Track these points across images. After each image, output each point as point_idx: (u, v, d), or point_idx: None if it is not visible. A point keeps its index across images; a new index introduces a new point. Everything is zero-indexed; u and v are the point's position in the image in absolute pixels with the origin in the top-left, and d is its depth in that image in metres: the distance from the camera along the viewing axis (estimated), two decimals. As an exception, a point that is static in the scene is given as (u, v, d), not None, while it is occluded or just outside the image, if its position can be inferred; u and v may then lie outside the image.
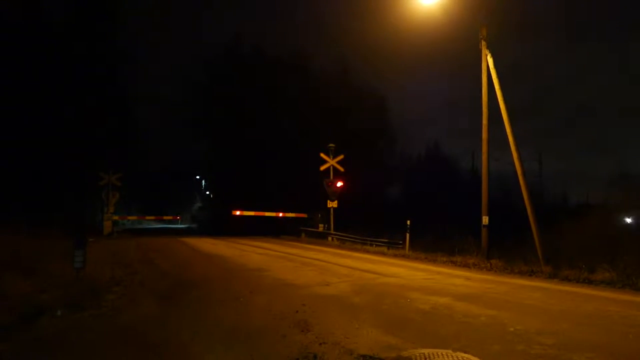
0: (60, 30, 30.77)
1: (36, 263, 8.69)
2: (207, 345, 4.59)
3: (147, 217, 44.31)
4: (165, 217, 44.98)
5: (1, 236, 11.05)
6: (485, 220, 13.06)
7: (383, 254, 16.12)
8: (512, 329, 5.14)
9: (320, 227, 24.67)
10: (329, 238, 22.75)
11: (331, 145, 24.87)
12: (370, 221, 24.27)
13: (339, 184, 24.08)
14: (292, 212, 28.32)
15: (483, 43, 13.16)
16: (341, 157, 24.92)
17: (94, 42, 30.34)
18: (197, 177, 64.19)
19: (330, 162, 24.68)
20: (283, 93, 35.40)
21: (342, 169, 24.76)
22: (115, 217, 28.06)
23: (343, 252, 16.74)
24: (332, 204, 23.83)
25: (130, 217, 40.05)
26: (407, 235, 16.30)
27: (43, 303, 6.12)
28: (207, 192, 58.18)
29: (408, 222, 16.16)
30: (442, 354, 4.21)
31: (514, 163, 12.40)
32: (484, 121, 13.36)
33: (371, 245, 18.41)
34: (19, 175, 24.52)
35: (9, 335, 4.83)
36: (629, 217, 16.94)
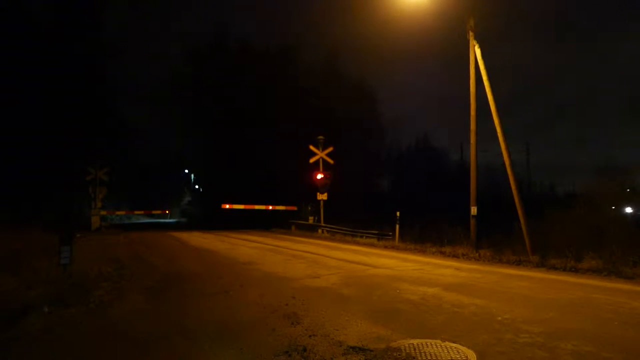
0: (44, 25, 30.18)
1: (22, 259, 8.57)
2: (195, 339, 4.56)
3: (136, 212, 43.87)
4: (154, 212, 44.54)
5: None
6: (473, 210, 13.15)
7: (373, 245, 16.18)
8: (500, 318, 5.20)
9: (311, 220, 24.65)
10: (319, 230, 22.77)
11: (320, 137, 24.77)
12: (360, 213, 24.35)
13: (329, 176, 24.06)
14: (282, 204, 28.26)
15: (470, 34, 13.15)
16: (330, 149, 24.86)
17: (79, 36, 29.83)
18: (186, 171, 63.69)
19: (320, 154, 24.62)
20: (271, 85, 35.16)
21: (331, 161, 24.71)
22: (103, 212, 27.75)
23: (333, 244, 16.76)
24: (322, 197, 23.82)
25: (118, 212, 39.60)
26: (397, 226, 16.37)
27: (30, 300, 6.03)
28: (197, 186, 57.80)
29: (397, 213, 16.23)
30: (431, 344, 4.24)
31: (502, 154, 12.48)
32: (472, 112, 13.40)
33: (361, 237, 18.47)
34: (3, 171, 24.11)
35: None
36: (628, 207, 16.74)
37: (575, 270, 9.38)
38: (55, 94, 27.20)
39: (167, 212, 47.28)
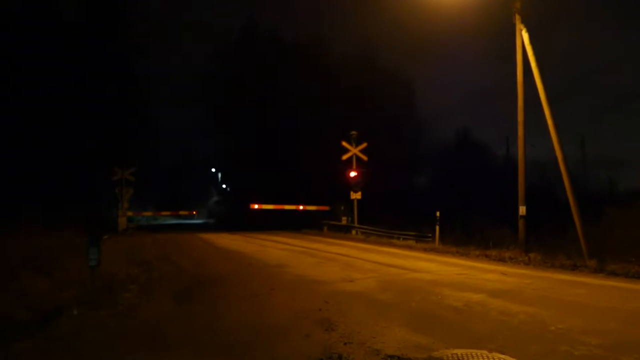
0: (74, 25, 31.44)
1: (52, 261, 8.98)
2: (226, 344, 4.65)
3: (163, 213, 45.02)
4: (181, 213, 45.59)
5: (18, 234, 11.44)
6: (522, 210, 12.80)
7: (410, 247, 16.03)
8: (553, 328, 5.04)
9: (344, 220, 24.65)
10: (353, 232, 22.75)
11: (353, 132, 24.64)
12: (396, 213, 24.13)
13: (363, 174, 23.97)
14: (313, 204, 28.36)
15: (517, 17, 12.78)
16: (364, 145, 24.71)
17: (107, 37, 30.97)
18: (213, 170, 64.95)
19: (353, 150, 24.52)
20: (302, 80, 35.33)
21: (365, 158, 24.56)
22: (130, 213, 28.65)
23: (368, 246, 16.72)
24: (356, 196, 23.74)
25: (145, 213, 40.82)
26: (437, 227, 16.12)
27: (61, 301, 6.33)
28: (224, 185, 58.84)
29: (437, 213, 15.97)
30: (476, 355, 4.16)
31: (553, 148, 12.06)
32: (520, 103, 13.04)
33: (398, 238, 18.33)
34: (32, 172, 25.30)
35: (32, 333, 5.05)
36: None
37: (638, 277, 8.99)
38: (82, 93, 28.31)
39: (194, 212, 48.33)
